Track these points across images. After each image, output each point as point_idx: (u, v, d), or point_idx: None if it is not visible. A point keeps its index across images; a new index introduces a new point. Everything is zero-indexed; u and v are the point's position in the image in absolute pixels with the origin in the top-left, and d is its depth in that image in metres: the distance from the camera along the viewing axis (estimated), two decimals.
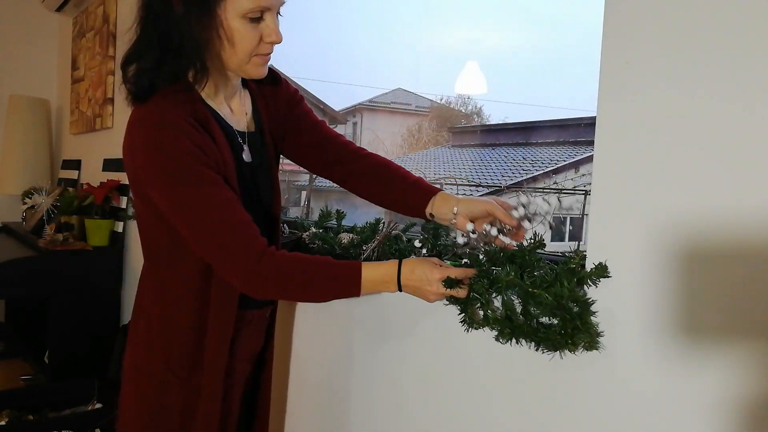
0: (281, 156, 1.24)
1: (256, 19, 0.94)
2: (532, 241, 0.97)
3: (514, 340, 0.91)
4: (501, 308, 0.94)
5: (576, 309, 0.85)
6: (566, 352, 0.86)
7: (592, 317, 0.85)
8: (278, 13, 0.98)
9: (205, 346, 1.06)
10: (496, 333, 0.93)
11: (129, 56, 1.00)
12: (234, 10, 0.92)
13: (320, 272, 0.96)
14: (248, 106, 1.12)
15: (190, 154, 0.92)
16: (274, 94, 1.16)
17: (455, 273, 0.95)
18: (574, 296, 0.84)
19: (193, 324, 1.06)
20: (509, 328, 0.90)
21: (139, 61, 0.97)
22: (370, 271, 0.96)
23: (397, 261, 0.97)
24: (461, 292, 0.95)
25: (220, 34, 0.94)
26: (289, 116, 1.19)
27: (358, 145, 1.21)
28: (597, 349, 0.84)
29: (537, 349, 0.89)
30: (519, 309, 0.93)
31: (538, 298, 0.86)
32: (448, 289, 0.93)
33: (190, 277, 1.04)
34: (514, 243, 0.98)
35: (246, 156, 1.07)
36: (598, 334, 0.85)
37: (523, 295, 0.90)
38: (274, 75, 1.15)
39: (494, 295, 0.95)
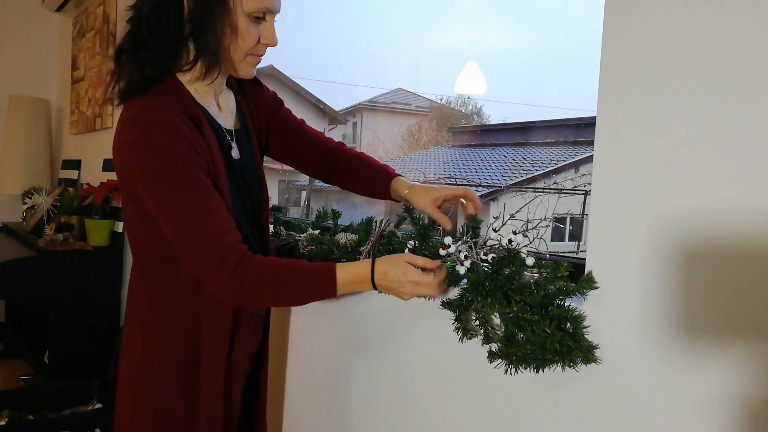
0: (273, 159, 1.29)
1: (258, 20, 0.97)
2: (511, 247, 0.95)
3: (512, 368, 0.89)
4: (501, 325, 0.93)
5: (569, 326, 0.85)
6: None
7: (584, 330, 0.85)
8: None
9: (203, 347, 1.05)
10: (498, 362, 0.92)
11: (125, 45, 0.98)
12: (242, 8, 0.95)
13: (294, 279, 0.96)
14: (232, 104, 1.14)
15: (184, 154, 0.92)
16: (255, 95, 1.20)
17: (421, 278, 0.96)
18: (561, 325, 0.84)
19: (189, 326, 1.05)
20: (506, 357, 0.89)
21: (144, 50, 0.96)
22: (344, 273, 0.97)
23: (370, 262, 0.98)
24: (435, 288, 0.98)
25: (232, 28, 0.96)
26: (272, 119, 1.23)
27: (356, 145, 1.25)
28: (595, 362, 0.84)
29: (537, 372, 0.87)
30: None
31: (527, 326, 0.85)
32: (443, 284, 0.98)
33: (183, 280, 1.03)
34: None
35: (234, 153, 1.08)
36: (593, 348, 0.85)
37: (514, 321, 0.89)
38: (254, 77, 1.17)
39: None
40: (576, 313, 0.86)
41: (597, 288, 0.85)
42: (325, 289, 0.97)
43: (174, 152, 0.92)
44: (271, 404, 1.32)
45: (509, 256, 0.94)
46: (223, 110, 1.09)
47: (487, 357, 0.92)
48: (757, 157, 0.69)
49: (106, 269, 2.45)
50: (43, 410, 2.05)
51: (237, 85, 1.16)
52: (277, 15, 1.01)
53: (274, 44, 1.01)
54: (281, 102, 1.26)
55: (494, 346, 0.93)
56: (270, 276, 0.95)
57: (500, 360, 0.90)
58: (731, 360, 0.72)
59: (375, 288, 0.98)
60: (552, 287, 0.87)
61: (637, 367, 0.82)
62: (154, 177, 0.92)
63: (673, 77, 0.77)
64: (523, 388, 0.97)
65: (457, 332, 0.99)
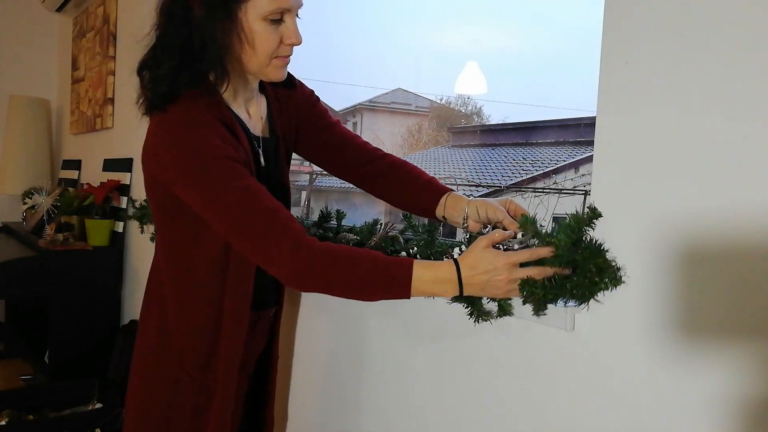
0: (302, 158, 1.24)
1: (276, 21, 0.94)
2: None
3: (549, 306, 0.87)
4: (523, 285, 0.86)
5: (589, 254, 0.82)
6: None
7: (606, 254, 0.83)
8: (296, 15, 0.98)
9: (219, 347, 1.07)
10: (532, 307, 0.88)
11: (146, 62, 0.98)
12: (254, 13, 0.92)
13: (368, 267, 0.87)
14: (263, 110, 1.12)
15: (220, 149, 0.91)
16: (289, 97, 1.16)
17: (524, 256, 0.84)
18: (588, 221, 0.82)
19: (208, 326, 1.06)
20: (541, 290, 0.83)
21: (158, 67, 0.96)
22: (423, 271, 0.87)
23: (452, 261, 0.87)
24: (540, 271, 0.84)
25: (241, 37, 0.94)
26: (304, 118, 1.18)
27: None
28: (624, 282, 0.82)
29: (566, 304, 0.84)
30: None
31: (555, 240, 0.82)
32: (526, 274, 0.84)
33: (206, 282, 1.04)
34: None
35: (261, 160, 1.08)
36: (619, 269, 0.82)
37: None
38: (289, 78, 1.14)
39: None
40: (596, 241, 0.84)
41: (602, 216, 0.84)
42: (399, 283, 0.87)
43: (212, 147, 0.91)
44: (277, 399, 1.34)
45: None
46: (253, 117, 1.08)
47: (523, 294, 0.85)
48: (757, 157, 0.69)
49: (106, 269, 2.45)
50: (43, 410, 2.05)
51: (272, 90, 1.13)
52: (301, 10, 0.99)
53: (298, 43, 0.97)
54: (317, 99, 1.21)
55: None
56: (342, 259, 0.87)
57: (527, 291, 0.84)
58: (730, 358, 0.72)
59: (461, 290, 0.86)
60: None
61: (637, 368, 0.82)
62: (195, 174, 0.91)
63: (673, 77, 0.77)
64: (522, 389, 0.98)
65: (471, 317, 0.96)
